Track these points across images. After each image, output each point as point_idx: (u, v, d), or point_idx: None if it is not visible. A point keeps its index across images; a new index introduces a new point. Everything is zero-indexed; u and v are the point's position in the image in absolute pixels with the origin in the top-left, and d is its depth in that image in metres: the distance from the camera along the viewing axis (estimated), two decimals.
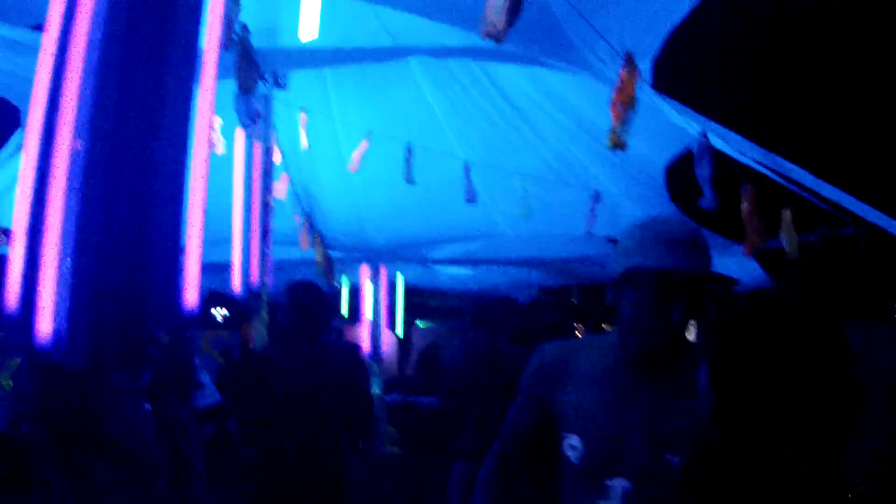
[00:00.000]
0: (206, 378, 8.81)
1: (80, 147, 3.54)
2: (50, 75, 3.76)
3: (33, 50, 5.82)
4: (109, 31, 3.56)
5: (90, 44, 3.52)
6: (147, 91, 3.64)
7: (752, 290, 2.66)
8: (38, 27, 6.90)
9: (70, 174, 3.52)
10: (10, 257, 3.76)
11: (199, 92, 4.21)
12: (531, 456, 3.51)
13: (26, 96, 6.73)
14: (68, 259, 3.49)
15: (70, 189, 3.52)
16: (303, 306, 6.55)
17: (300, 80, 8.89)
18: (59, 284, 3.47)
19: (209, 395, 8.75)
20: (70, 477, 3.97)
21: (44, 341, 3.44)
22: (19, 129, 8.16)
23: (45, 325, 3.44)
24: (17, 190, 3.86)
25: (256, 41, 7.15)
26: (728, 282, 3.17)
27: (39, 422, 4.13)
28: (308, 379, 6.34)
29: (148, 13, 3.67)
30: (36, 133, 3.80)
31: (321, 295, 6.74)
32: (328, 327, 6.71)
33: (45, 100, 3.77)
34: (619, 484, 3.11)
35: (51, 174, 3.55)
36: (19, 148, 7.96)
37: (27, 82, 6.34)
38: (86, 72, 3.50)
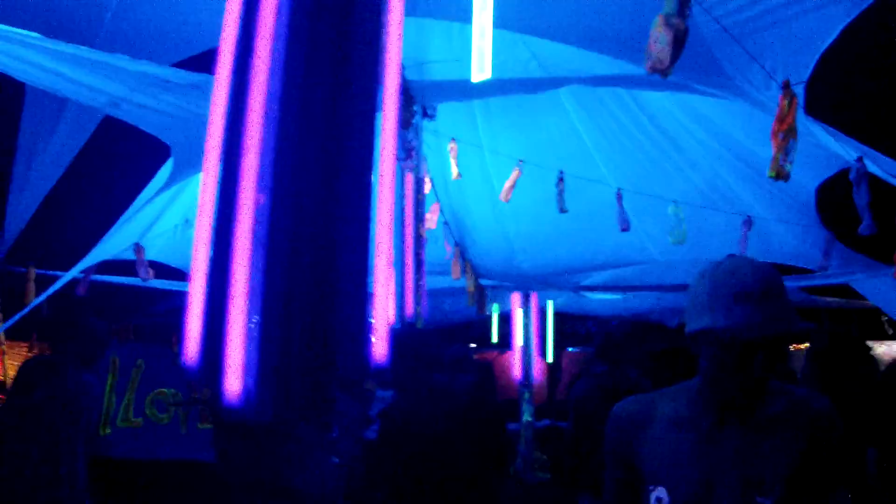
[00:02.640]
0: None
1: (263, 201, 3.55)
2: (223, 122, 3.75)
3: (180, 87, 6.02)
4: (289, 76, 3.55)
5: (269, 93, 3.51)
6: (328, 135, 3.64)
7: None
8: (182, 63, 7.12)
9: (254, 231, 3.50)
10: (189, 313, 3.80)
11: (380, 134, 4.20)
12: None
13: (174, 133, 6.96)
14: (255, 317, 3.50)
15: (254, 246, 3.48)
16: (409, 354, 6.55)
17: (448, 110, 8.96)
18: (247, 343, 3.46)
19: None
20: None
21: (233, 400, 3.43)
22: (166, 165, 8.39)
23: (233, 383, 3.43)
24: (194, 245, 3.94)
25: (407, 74, 7.26)
26: (806, 329, 3.06)
27: (232, 475, 4.21)
28: (434, 424, 6.32)
29: (326, 54, 3.70)
30: (211, 184, 3.83)
31: (424, 342, 6.73)
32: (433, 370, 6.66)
33: (220, 148, 3.78)
34: None
35: (231, 228, 3.53)
36: (167, 184, 8.19)
37: (174, 119, 6.56)
38: (266, 120, 3.49)
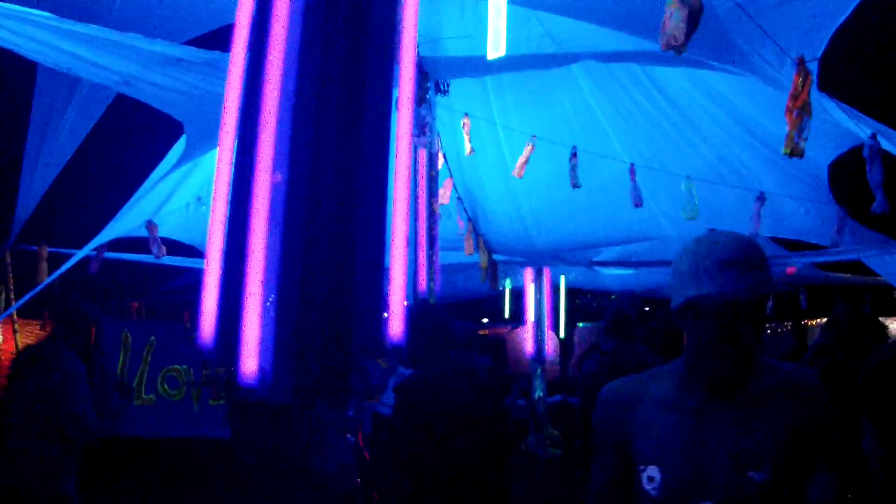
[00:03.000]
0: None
1: (279, 180, 3.53)
2: (238, 101, 3.75)
3: (193, 66, 6.00)
4: (305, 54, 3.54)
5: (285, 72, 3.48)
6: (345, 115, 3.60)
7: None
8: (194, 41, 7.10)
9: (271, 209, 3.50)
10: (204, 292, 3.79)
11: (397, 113, 4.17)
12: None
13: (186, 111, 6.95)
14: (272, 296, 3.48)
15: (271, 225, 3.48)
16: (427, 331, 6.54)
17: (461, 86, 8.96)
18: (263, 322, 3.46)
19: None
20: None
21: (249, 380, 3.42)
22: (178, 142, 8.40)
23: (249, 363, 3.43)
24: (210, 225, 3.92)
25: (420, 50, 7.25)
26: (786, 292, 3.09)
27: (247, 455, 4.21)
28: (457, 401, 6.32)
29: (342, 31, 3.67)
30: (227, 163, 3.82)
31: (442, 319, 6.71)
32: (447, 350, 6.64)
33: (235, 127, 3.77)
34: None
35: (247, 208, 3.51)
36: (179, 161, 8.20)
37: (187, 97, 6.55)
38: (282, 99, 3.46)
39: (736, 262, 3.00)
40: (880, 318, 7.79)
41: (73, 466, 6.51)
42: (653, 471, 3.14)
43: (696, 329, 3.10)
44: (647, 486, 3.15)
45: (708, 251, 3.06)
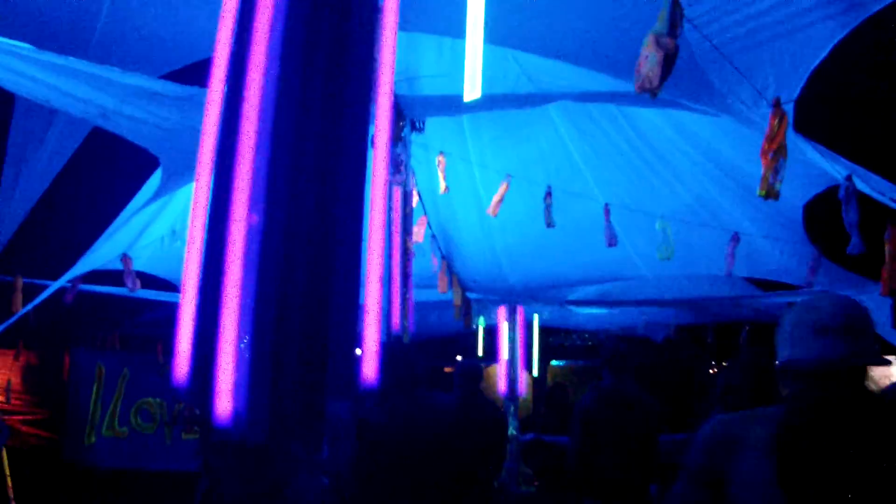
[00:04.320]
0: None
1: (256, 222, 3.52)
2: (215, 140, 3.73)
3: (169, 100, 6.01)
4: (283, 94, 3.53)
5: (262, 110, 3.48)
6: (322, 153, 3.61)
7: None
8: (172, 75, 7.12)
9: (246, 250, 3.48)
10: (179, 332, 3.78)
11: (373, 152, 4.17)
12: None
13: (162, 145, 6.96)
14: (246, 337, 3.47)
15: (246, 265, 3.47)
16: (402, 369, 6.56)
17: (437, 123, 8.99)
18: (237, 364, 3.45)
19: None
20: None
21: (223, 420, 3.41)
22: (154, 175, 8.39)
23: (223, 405, 3.42)
24: (185, 264, 3.91)
25: (396, 88, 7.26)
26: (884, 364, 3.11)
27: (220, 494, 4.18)
28: (425, 436, 6.32)
29: (320, 72, 3.67)
30: (203, 203, 3.80)
31: (410, 357, 6.73)
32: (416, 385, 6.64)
33: (211, 168, 3.74)
34: None
35: (223, 249, 3.51)
36: (155, 195, 8.20)
37: (163, 131, 6.56)
38: (259, 139, 3.47)
39: (831, 328, 3.03)
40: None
41: None
42: None
43: (791, 387, 3.17)
44: None
45: (807, 315, 3.12)
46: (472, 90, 5.77)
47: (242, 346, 3.44)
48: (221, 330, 3.44)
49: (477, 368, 8.98)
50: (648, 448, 8.18)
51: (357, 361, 3.95)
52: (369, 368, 4.00)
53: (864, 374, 3.10)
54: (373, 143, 4.15)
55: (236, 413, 3.43)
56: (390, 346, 6.84)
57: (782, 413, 3.07)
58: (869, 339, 3.11)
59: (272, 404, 3.53)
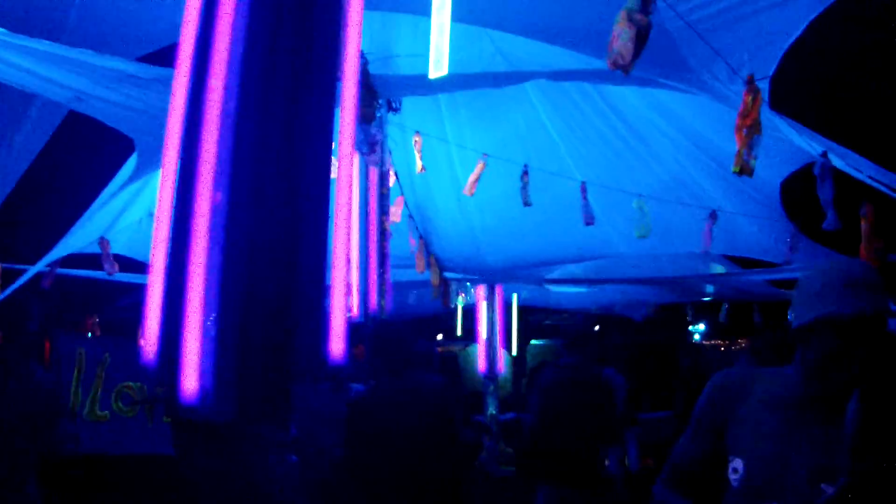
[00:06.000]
0: None
1: (220, 200, 3.53)
2: (182, 120, 3.73)
3: (143, 82, 5.99)
4: (247, 73, 3.54)
5: (227, 89, 3.48)
6: (287, 131, 3.64)
7: None
8: (146, 58, 7.09)
9: (211, 228, 3.50)
10: (147, 310, 3.79)
11: (339, 130, 4.16)
12: (697, 484, 3.60)
13: (137, 127, 6.94)
14: (212, 315, 3.48)
15: (212, 243, 3.49)
16: (387, 348, 6.60)
17: (413, 103, 8.98)
18: (203, 341, 3.47)
19: None
20: None
21: (190, 398, 3.43)
22: (130, 159, 8.36)
23: (190, 382, 3.43)
24: (153, 243, 3.92)
25: (371, 68, 7.25)
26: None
27: (191, 473, 4.19)
28: (408, 417, 6.34)
29: (285, 50, 3.68)
30: (170, 182, 3.81)
31: (401, 338, 6.76)
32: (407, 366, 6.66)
33: (178, 147, 3.75)
34: None
35: (188, 227, 3.53)
36: (131, 178, 8.18)
37: (138, 113, 6.54)
38: (223, 118, 3.47)
39: (864, 284, 3.20)
40: None
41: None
42: (738, 463, 3.35)
43: (818, 344, 3.24)
44: (731, 476, 3.36)
45: (835, 274, 3.27)
46: (438, 68, 5.78)
47: (209, 323, 3.45)
48: (187, 307, 3.45)
49: (430, 351, 8.97)
50: (603, 424, 8.26)
51: (326, 340, 3.97)
52: (337, 346, 4.02)
53: (885, 324, 3.23)
54: (339, 121, 4.16)
55: (203, 391, 3.44)
56: (381, 327, 6.86)
57: (858, 366, 3.14)
58: (886, 295, 3.26)
59: (239, 382, 3.54)
